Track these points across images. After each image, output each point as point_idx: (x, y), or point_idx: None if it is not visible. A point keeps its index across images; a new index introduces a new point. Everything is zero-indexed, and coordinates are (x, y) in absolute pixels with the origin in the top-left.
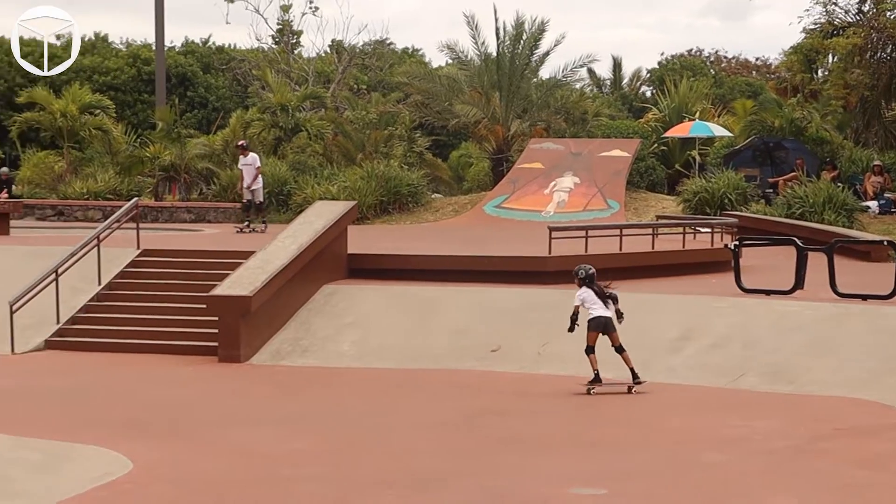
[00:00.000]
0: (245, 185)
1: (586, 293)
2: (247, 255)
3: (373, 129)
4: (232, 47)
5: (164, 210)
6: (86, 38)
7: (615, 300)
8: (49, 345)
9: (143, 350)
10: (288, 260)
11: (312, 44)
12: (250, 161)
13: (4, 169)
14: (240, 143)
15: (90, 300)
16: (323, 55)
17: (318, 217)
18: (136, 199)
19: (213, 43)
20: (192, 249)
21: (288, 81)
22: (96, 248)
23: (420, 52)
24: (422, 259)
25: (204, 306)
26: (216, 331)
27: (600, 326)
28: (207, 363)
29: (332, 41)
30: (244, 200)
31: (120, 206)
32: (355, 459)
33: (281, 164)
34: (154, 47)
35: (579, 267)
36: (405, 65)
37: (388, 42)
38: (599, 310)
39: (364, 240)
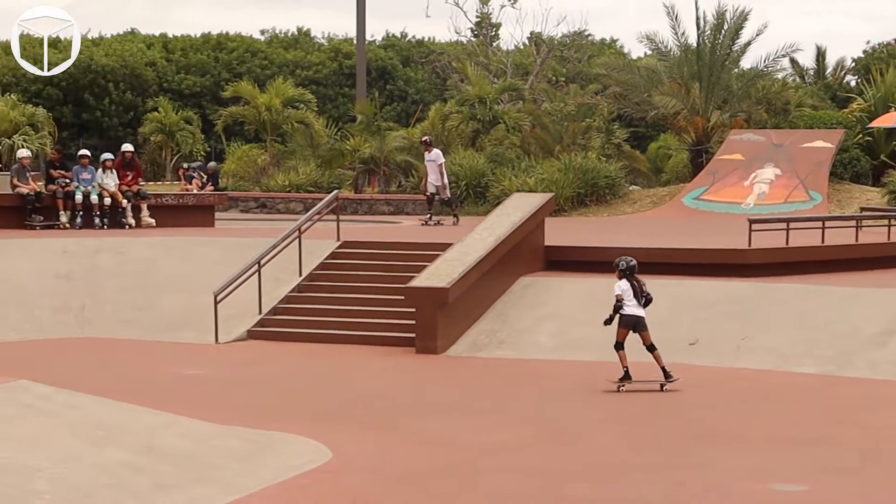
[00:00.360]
0: (431, 181)
1: (626, 286)
2: (445, 247)
3: (570, 120)
4: (431, 40)
5: (363, 202)
6: (289, 34)
7: (648, 301)
8: (251, 335)
9: (342, 341)
10: (485, 252)
11: (511, 36)
12: (434, 157)
13: (213, 163)
14: (423, 138)
15: (291, 291)
16: (521, 47)
17: (515, 209)
18: (336, 191)
19: (413, 36)
20: (390, 241)
21: (486, 74)
22: (298, 240)
23: (618, 43)
24: (620, 251)
25: (402, 298)
26: (414, 322)
27: (630, 324)
28: (405, 354)
29: (531, 33)
30: (427, 193)
31: (321, 199)
32: (552, 451)
33: (478, 156)
34: (355, 41)
35: (620, 258)
36: (603, 56)
37: (586, 33)
38: (633, 307)
39: (561, 232)
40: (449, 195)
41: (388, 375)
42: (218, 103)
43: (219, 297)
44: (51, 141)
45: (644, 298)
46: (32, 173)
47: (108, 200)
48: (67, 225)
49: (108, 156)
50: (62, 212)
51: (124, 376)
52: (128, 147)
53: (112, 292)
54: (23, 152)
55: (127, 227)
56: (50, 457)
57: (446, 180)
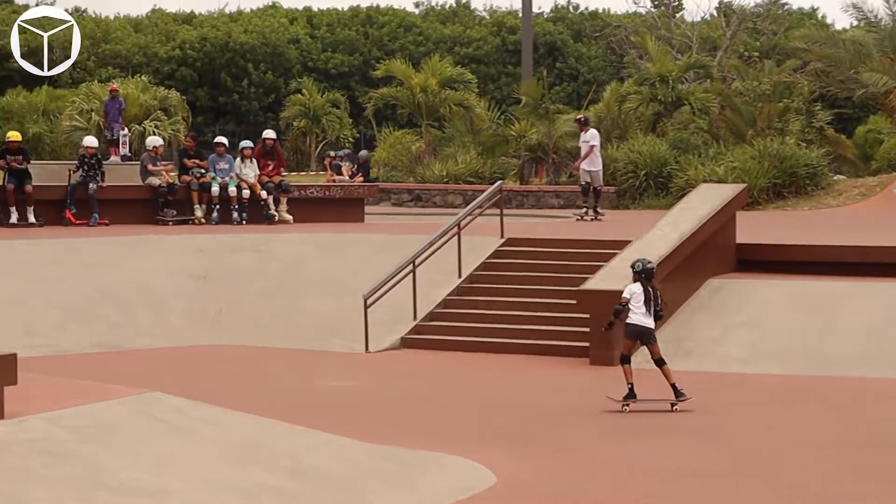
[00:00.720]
0: (584, 167)
1: (638, 290)
2: (621, 244)
3: (765, 101)
4: (606, 12)
5: (529, 194)
6: (447, 6)
7: (658, 315)
8: (405, 343)
9: (507, 350)
10: (668, 250)
11: (697, 6)
12: (588, 138)
13: (364, 152)
14: (578, 117)
15: (449, 294)
16: (708, 19)
17: (702, 202)
18: (499, 182)
19: (585, 8)
20: (560, 238)
21: (669, 49)
22: (456, 237)
23: (820, 13)
24: (824, 250)
25: (574, 302)
26: (587, 329)
27: (635, 334)
28: (577, 365)
29: (720, 3)
30: (581, 183)
31: (482, 191)
32: (752, 482)
33: (660, 142)
34: (520, 14)
35: (637, 259)
36: (803, 28)
37: (782, 3)
38: (640, 316)
39: (755, 228)
40: (602, 184)
41: (558, 389)
42: (368, 84)
43: (369, 301)
44: (184, 127)
45: (655, 309)
46: (164, 163)
47: (246, 193)
48: (202, 220)
49: (247, 143)
50: (197, 205)
51: (264, 389)
52: (269, 134)
53: (251, 295)
54: (154, 140)
55: (267, 222)
56: (184, 478)
57: (600, 166)
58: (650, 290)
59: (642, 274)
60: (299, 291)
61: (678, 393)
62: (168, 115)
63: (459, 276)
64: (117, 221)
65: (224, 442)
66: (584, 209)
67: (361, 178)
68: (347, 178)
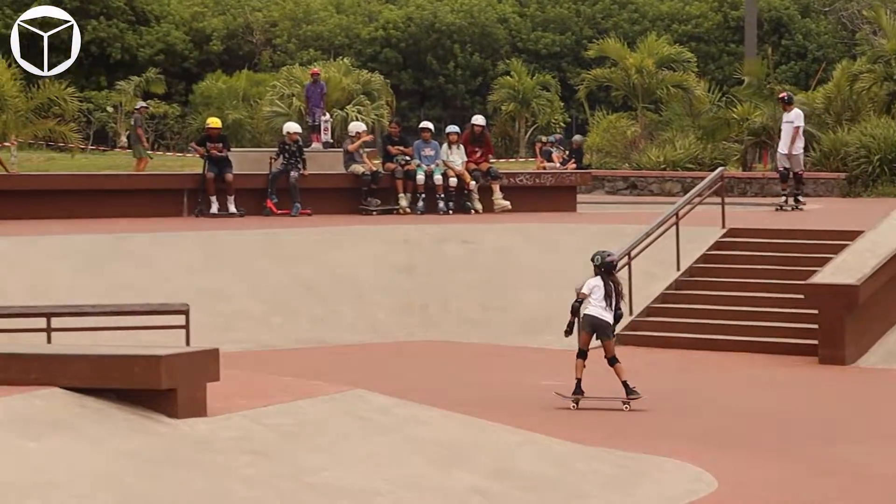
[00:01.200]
0: (781, 150)
1: (598, 284)
2: (853, 235)
3: None
4: None
5: (753, 182)
6: None
7: (618, 320)
8: (620, 339)
9: (728, 348)
10: None
11: None
12: (792, 118)
13: (578, 137)
14: (781, 95)
15: (667, 288)
16: None
17: None
18: (720, 168)
19: None
20: (786, 229)
21: None
22: (674, 227)
23: None
24: None
25: (801, 297)
26: (816, 326)
27: (592, 327)
28: (805, 364)
29: None
30: (779, 168)
31: (702, 178)
32: None
33: (894, 124)
34: None
35: (596, 253)
36: None
37: None
38: (598, 310)
39: None
40: (802, 169)
41: (784, 390)
42: (580, 65)
43: None
44: (388, 112)
45: (614, 307)
46: (368, 150)
47: (453, 181)
48: (407, 209)
49: (453, 129)
50: (401, 194)
51: (472, 386)
52: (478, 120)
53: (459, 288)
54: (357, 126)
55: (473, 211)
56: (389, 478)
57: (801, 150)
58: (611, 283)
59: (601, 267)
60: (508, 284)
61: (629, 391)
62: (371, 100)
63: (678, 269)
64: (319, 211)
65: (429, 441)
66: (784, 198)
67: (574, 165)
68: (558, 164)
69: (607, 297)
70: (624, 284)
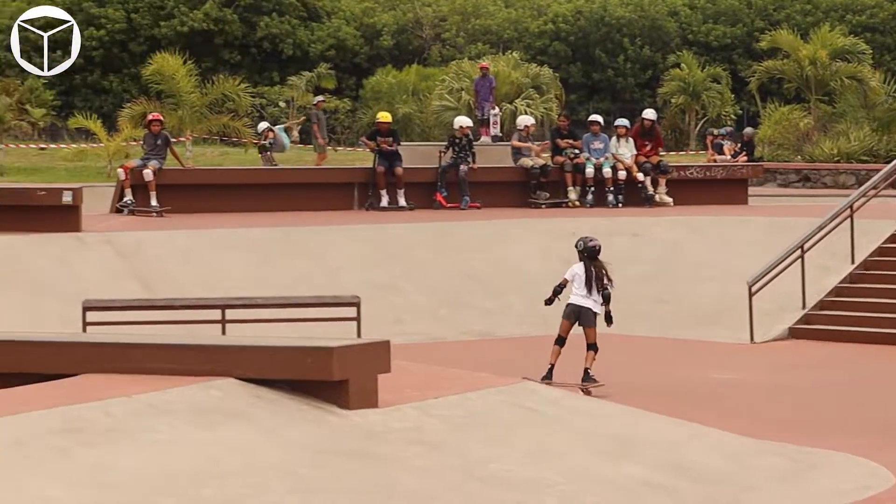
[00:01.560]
0: None
1: (580, 271)
2: None
3: None
4: None
5: None
6: None
7: (607, 300)
8: (793, 333)
9: None
10: None
11: None
12: None
13: (749, 129)
14: None
15: (841, 281)
16: None
17: None
18: None
19: None
20: None
21: None
22: (849, 220)
23: None
24: None
25: None
26: None
27: (572, 315)
28: None
29: None
30: None
31: (877, 170)
32: None
33: None
34: None
35: (580, 238)
36: None
37: None
38: (579, 297)
39: None
40: None
41: None
42: (751, 57)
43: (754, 288)
44: (557, 105)
45: (601, 291)
46: (537, 143)
47: (622, 174)
48: (577, 202)
49: (622, 122)
50: (570, 187)
51: (641, 379)
52: (649, 114)
53: (628, 281)
54: (526, 119)
55: (648, 204)
56: (558, 470)
57: None
58: (593, 269)
59: (584, 253)
60: (678, 277)
61: (587, 377)
62: (540, 94)
63: (852, 262)
64: (488, 204)
65: (598, 434)
66: None
67: (745, 158)
68: (729, 157)
69: (588, 283)
70: (611, 266)
